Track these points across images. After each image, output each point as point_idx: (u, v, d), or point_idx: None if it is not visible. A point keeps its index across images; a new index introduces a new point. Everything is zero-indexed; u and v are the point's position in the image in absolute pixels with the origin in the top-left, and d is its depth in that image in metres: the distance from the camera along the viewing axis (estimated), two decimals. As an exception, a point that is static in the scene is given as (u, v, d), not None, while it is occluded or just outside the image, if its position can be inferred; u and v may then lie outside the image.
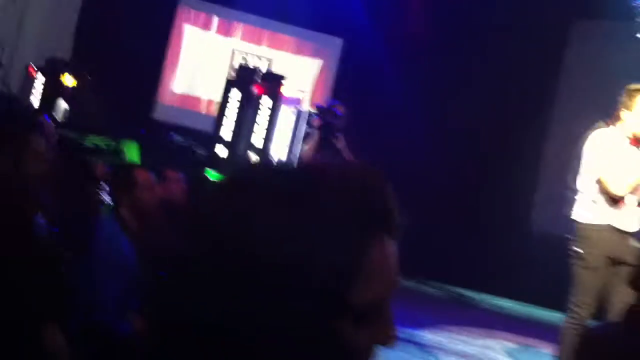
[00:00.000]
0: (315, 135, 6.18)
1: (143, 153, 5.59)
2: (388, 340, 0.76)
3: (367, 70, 8.73)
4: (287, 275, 0.68)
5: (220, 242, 0.69)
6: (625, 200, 3.81)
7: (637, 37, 6.86)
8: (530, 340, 6.18)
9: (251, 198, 0.71)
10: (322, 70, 9.26)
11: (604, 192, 3.79)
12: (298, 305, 0.68)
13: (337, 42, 9.18)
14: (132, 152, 5.52)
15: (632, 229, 3.83)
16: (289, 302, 0.68)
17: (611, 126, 3.89)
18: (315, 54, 9.26)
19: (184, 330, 0.70)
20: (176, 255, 0.72)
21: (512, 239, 8.64)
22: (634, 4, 6.79)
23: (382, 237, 0.76)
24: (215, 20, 8.94)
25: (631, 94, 3.87)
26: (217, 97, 6.89)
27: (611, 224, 3.79)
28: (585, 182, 3.92)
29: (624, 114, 3.85)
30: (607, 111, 5.66)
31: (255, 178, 0.75)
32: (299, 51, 9.18)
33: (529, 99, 9.03)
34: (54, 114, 6.76)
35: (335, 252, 0.69)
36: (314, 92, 9.06)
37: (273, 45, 9.07)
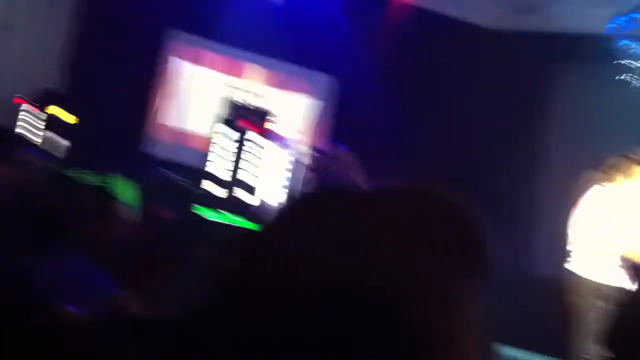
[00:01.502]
0: (313, 176, 6.11)
1: (133, 188, 5.58)
2: None
3: (364, 107, 8.77)
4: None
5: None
6: None
7: (620, 79, 6.98)
8: None
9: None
10: (316, 109, 9.28)
11: None
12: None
13: (330, 80, 9.22)
14: (121, 189, 5.50)
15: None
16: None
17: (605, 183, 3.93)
18: (308, 91, 9.30)
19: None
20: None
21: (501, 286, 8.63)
22: (617, 46, 6.91)
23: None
24: (207, 54, 9.00)
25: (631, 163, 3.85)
26: (206, 132, 6.90)
27: None
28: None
29: (621, 178, 3.85)
30: (594, 153, 5.78)
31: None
32: (291, 88, 9.22)
33: (517, 145, 9.08)
34: (49, 148, 6.75)
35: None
36: (308, 132, 9.06)
37: (264, 81, 9.11)
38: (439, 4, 9.09)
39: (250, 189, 6.20)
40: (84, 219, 3.17)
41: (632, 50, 7.00)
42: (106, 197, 3.77)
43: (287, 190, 6.10)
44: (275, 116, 6.59)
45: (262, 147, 6.33)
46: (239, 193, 6.21)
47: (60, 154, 6.89)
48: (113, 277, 2.98)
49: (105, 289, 2.85)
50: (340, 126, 8.85)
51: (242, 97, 7.68)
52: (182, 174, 6.78)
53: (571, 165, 4.42)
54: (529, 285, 8.38)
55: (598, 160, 4.96)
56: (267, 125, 6.44)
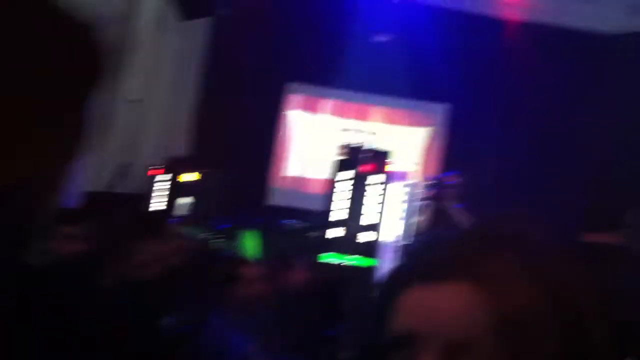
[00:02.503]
0: (429, 207, 6.13)
1: (261, 241, 5.78)
2: None
3: (478, 134, 8.63)
4: None
5: None
6: None
7: None
8: None
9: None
10: (431, 139, 9.25)
11: None
12: None
13: (442, 109, 9.17)
14: (249, 243, 5.72)
15: None
16: None
17: None
18: (422, 122, 9.29)
19: None
20: None
21: None
22: None
23: None
24: (322, 101, 9.23)
25: None
26: (326, 176, 7.05)
27: None
28: None
29: None
30: None
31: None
32: (405, 122, 9.25)
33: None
34: (175, 211, 7.14)
35: None
36: (424, 163, 9.05)
37: (379, 119, 9.21)
38: (549, 16, 8.80)
39: (372, 228, 6.24)
40: (228, 283, 3.33)
41: None
42: (241, 260, 3.95)
43: (404, 224, 6.08)
44: (392, 154, 6.61)
45: (382, 188, 6.36)
46: (362, 235, 6.26)
47: (189, 212, 7.26)
48: (256, 339, 3.10)
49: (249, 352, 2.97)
50: (455, 154, 8.77)
51: (360, 139, 7.79)
52: (307, 221, 6.96)
53: None
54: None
55: None
56: (386, 166, 6.48)
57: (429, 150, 9.19)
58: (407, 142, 9.02)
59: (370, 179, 6.44)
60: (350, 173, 6.46)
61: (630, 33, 8.72)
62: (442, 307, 0.83)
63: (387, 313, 0.86)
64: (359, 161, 6.53)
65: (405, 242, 6.13)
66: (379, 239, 6.26)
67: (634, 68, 8.45)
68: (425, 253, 0.92)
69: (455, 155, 8.77)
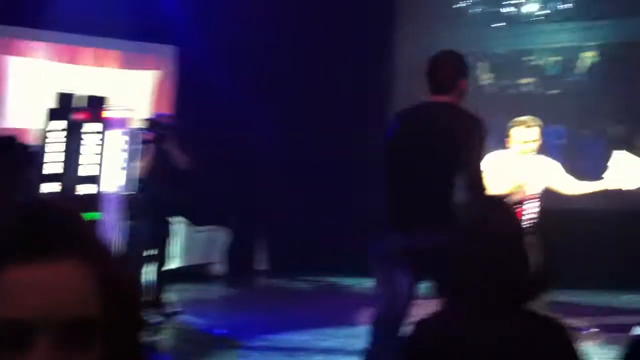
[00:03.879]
0: (151, 149, 6.08)
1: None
2: None
3: (206, 74, 8.56)
4: None
5: None
6: None
7: (456, 8, 7.06)
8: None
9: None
10: (160, 81, 8.97)
11: None
12: None
13: (171, 50, 8.92)
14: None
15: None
16: None
17: None
18: (148, 65, 8.95)
19: None
20: None
21: (376, 218, 8.76)
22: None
23: None
24: (35, 44, 8.44)
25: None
26: (39, 128, 6.48)
27: None
28: None
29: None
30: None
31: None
32: (129, 65, 8.84)
33: (369, 97, 9.13)
34: None
35: None
36: (153, 105, 8.77)
37: (101, 63, 8.68)
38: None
39: (91, 180, 5.89)
40: None
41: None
42: None
43: (126, 172, 5.85)
44: (112, 100, 6.25)
45: (100, 137, 5.99)
46: (81, 188, 5.88)
47: None
48: None
49: None
50: (184, 97, 8.66)
51: (75, 85, 7.26)
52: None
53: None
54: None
55: None
56: (103, 112, 6.10)
57: (158, 93, 8.92)
58: (133, 86, 8.64)
59: (86, 127, 6.02)
60: (63, 123, 5.98)
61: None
62: (57, 286, 0.77)
63: None
64: (73, 109, 6.07)
65: (128, 192, 5.90)
66: (100, 191, 5.94)
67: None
68: (22, 228, 0.80)
69: (184, 97, 8.63)
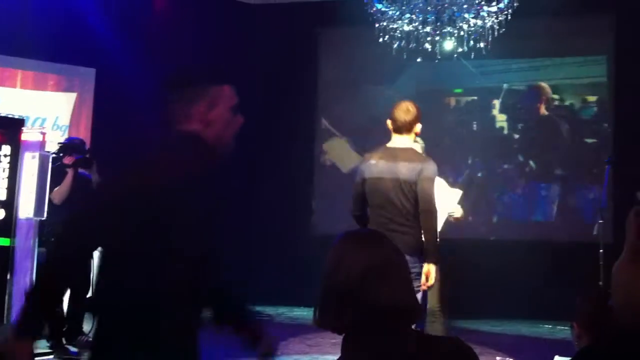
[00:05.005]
0: (70, 173, 5.89)
1: None
2: None
3: (124, 97, 8.40)
4: None
5: None
6: None
7: (378, 41, 7.22)
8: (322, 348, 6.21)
9: None
10: (78, 104, 8.72)
11: None
12: None
13: (89, 72, 8.70)
14: None
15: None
16: None
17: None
18: (66, 87, 8.70)
19: None
20: None
21: (297, 247, 8.74)
22: (370, 11, 7.14)
23: None
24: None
25: None
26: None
27: None
28: None
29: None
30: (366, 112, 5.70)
31: None
32: (46, 87, 8.56)
33: (296, 107, 9.22)
34: None
35: None
36: (71, 128, 8.52)
37: (16, 84, 8.37)
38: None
39: (2, 205, 5.62)
40: None
41: (390, 13, 7.23)
42: None
43: (39, 196, 5.63)
44: (28, 122, 6.01)
45: (14, 159, 5.73)
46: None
47: None
48: None
49: None
50: (101, 118, 8.47)
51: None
52: None
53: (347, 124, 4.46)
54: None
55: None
56: (19, 135, 5.86)
57: (75, 115, 8.66)
58: (51, 108, 8.37)
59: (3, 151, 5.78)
60: (-23, 144, 5.71)
61: (271, 4, 9.21)
62: None
63: None
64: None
65: (41, 217, 5.66)
66: (13, 216, 5.67)
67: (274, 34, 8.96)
68: None
69: (102, 119, 8.42)
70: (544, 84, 8.88)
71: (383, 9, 7.22)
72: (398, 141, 4.19)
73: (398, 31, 7.19)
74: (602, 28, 8.47)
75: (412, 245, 4.00)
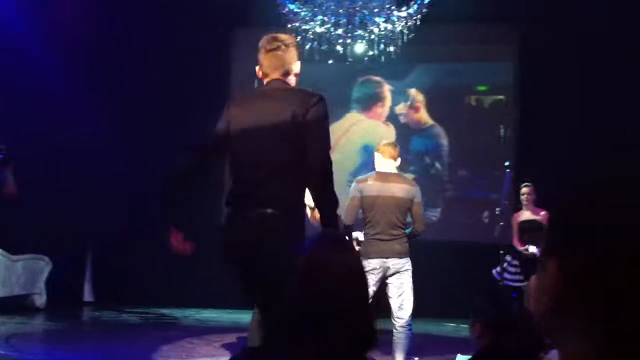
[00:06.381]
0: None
1: None
2: None
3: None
4: None
5: None
6: None
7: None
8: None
9: None
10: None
11: None
12: None
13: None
14: None
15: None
16: None
17: None
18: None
19: None
20: None
21: (204, 249, 8.61)
22: (283, 12, 7.15)
23: None
24: None
25: None
26: None
27: None
28: None
29: None
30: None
31: None
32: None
33: (208, 107, 9.08)
34: None
35: None
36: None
37: None
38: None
39: None
40: None
41: (302, 14, 7.26)
42: None
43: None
44: None
45: None
46: None
47: None
48: None
49: None
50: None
51: None
52: None
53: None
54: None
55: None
56: None
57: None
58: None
59: None
60: None
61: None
62: None
63: None
64: None
65: None
66: None
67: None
68: None
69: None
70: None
71: (295, 10, 7.24)
72: (385, 166, 4.92)
73: (310, 32, 7.23)
74: (508, 35, 8.80)
75: (399, 250, 4.86)
